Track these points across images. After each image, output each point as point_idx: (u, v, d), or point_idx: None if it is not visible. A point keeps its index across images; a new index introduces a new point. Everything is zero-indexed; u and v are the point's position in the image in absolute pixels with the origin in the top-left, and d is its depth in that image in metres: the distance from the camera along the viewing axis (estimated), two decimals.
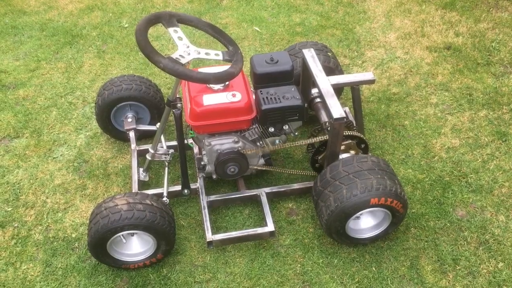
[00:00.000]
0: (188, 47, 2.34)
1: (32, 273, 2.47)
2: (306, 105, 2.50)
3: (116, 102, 2.88)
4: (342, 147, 2.66)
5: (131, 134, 2.92)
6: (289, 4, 4.29)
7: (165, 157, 2.76)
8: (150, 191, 2.68)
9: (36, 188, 2.86)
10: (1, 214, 2.73)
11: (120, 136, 3.05)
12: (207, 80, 2.19)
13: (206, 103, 2.41)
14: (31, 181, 2.90)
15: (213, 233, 2.50)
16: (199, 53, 2.34)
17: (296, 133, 2.69)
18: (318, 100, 2.89)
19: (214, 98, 2.43)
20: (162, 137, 2.79)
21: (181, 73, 2.12)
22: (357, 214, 2.37)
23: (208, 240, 2.47)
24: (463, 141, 3.06)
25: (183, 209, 2.73)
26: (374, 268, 2.47)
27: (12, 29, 4.11)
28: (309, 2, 4.30)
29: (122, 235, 2.32)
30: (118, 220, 2.24)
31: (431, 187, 2.81)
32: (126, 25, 4.13)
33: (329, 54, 3.05)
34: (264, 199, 2.64)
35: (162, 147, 2.81)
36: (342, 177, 2.37)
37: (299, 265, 2.50)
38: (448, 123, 3.17)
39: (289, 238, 2.61)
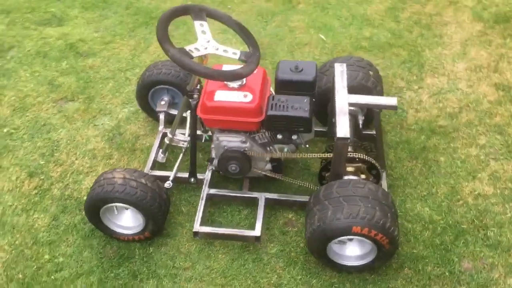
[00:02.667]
0: (208, 41, 2.41)
1: (40, 223, 2.72)
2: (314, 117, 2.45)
3: (153, 84, 3.04)
4: (351, 169, 2.58)
5: (161, 116, 3.06)
6: (364, 17, 4.17)
7: (183, 144, 2.86)
8: (159, 172, 2.81)
9: (70, 149, 3.13)
10: (34, 165, 3.02)
11: (156, 116, 3.21)
12: (210, 75, 2.25)
13: (217, 98, 2.46)
14: (68, 141, 3.17)
15: (202, 224, 2.56)
16: (217, 49, 2.40)
17: (307, 145, 2.64)
18: None
19: (226, 95, 2.47)
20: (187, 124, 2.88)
21: (186, 65, 2.19)
22: (339, 239, 2.29)
23: (194, 230, 2.53)
24: (498, 191, 2.79)
25: (187, 196, 2.82)
26: None
27: (102, 3, 4.47)
28: (385, 18, 4.15)
29: (115, 206, 2.47)
30: (110, 191, 2.39)
31: (443, 231, 2.61)
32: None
33: (371, 72, 2.94)
34: (261, 203, 2.64)
35: (183, 133, 2.91)
36: (332, 198, 2.30)
37: (276, 276, 2.47)
38: (488, 169, 2.91)
39: (276, 248, 2.59)
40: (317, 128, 2.99)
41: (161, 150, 2.94)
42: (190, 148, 2.67)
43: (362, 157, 2.54)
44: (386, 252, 2.31)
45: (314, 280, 2.45)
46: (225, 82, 2.52)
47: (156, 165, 2.92)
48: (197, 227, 2.54)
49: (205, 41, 2.41)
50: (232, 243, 2.60)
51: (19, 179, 2.95)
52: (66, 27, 4.18)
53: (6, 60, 3.84)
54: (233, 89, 2.50)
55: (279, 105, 2.44)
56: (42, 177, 2.96)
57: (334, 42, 3.91)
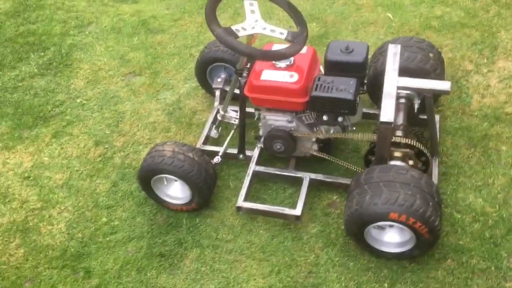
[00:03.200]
0: (256, 21, 2.44)
1: (101, 188, 2.95)
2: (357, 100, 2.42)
3: (211, 61, 3.13)
4: (398, 154, 2.52)
5: (217, 93, 3.15)
6: None
7: (234, 120, 2.94)
8: (211, 147, 2.91)
9: (133, 121, 3.33)
10: (100, 134, 3.26)
11: (213, 93, 3.31)
12: (253, 55, 2.29)
13: (263, 77, 2.50)
14: (132, 114, 3.37)
15: (245, 200, 2.64)
16: (264, 28, 2.43)
17: (354, 128, 2.61)
18: (400, 100, 2.75)
19: (272, 75, 2.50)
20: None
21: (230, 44, 2.25)
22: (377, 224, 2.27)
23: (237, 205, 2.62)
24: None
25: (236, 172, 2.90)
26: (386, 285, 2.35)
27: None
28: None
29: (165, 177, 2.61)
30: (159, 163, 2.53)
31: (494, 224, 2.49)
32: None
33: (431, 55, 2.82)
34: (305, 183, 2.67)
35: (235, 110, 2.99)
36: (372, 183, 2.27)
37: (313, 256, 2.50)
38: None
39: (317, 228, 2.61)
40: (370, 111, 2.95)
41: (214, 126, 3.04)
42: (239, 125, 2.74)
43: (409, 142, 2.46)
44: (426, 241, 2.26)
45: (351, 263, 2.45)
46: (273, 62, 2.54)
47: (209, 140, 3.02)
48: (240, 202, 2.62)
49: (253, 21, 2.44)
50: (274, 220, 2.65)
51: (87, 146, 3.20)
52: (140, 4, 4.38)
53: (85, 35, 4.11)
54: (280, 68, 2.52)
55: (324, 86, 2.43)
56: (107, 146, 3.19)
57: (402, 21, 3.76)
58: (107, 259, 2.61)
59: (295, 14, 2.48)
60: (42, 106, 3.51)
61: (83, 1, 4.47)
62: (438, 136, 2.79)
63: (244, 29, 2.39)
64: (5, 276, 2.58)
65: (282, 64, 2.52)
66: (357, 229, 2.33)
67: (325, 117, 2.53)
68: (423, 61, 2.77)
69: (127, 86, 3.60)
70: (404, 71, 2.74)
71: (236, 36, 2.31)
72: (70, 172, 3.05)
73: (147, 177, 2.61)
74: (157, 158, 2.55)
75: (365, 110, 2.92)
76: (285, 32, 2.43)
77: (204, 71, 3.20)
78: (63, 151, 3.18)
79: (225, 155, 2.87)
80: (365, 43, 2.58)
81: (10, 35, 4.14)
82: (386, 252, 2.38)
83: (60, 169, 3.07)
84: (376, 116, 2.93)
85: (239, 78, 2.62)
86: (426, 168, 2.57)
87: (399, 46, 2.58)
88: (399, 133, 2.60)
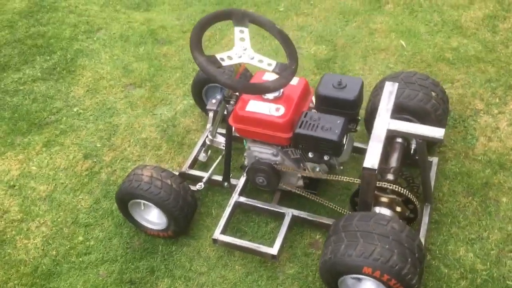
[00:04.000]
0: (245, 49, 2.34)
1: (83, 204, 2.89)
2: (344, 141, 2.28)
3: (207, 81, 3.04)
4: (385, 200, 2.38)
5: (210, 114, 3.05)
6: (457, 24, 3.77)
7: (223, 146, 2.84)
8: (197, 172, 2.82)
9: (126, 136, 3.26)
10: (91, 147, 3.21)
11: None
12: (234, 87, 2.19)
13: (248, 108, 2.40)
14: (126, 128, 3.31)
15: (223, 232, 2.53)
16: (252, 58, 2.32)
17: (341, 167, 2.48)
18: (397, 140, 2.61)
19: (258, 106, 2.40)
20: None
21: (211, 74, 2.15)
22: (350, 276, 2.13)
23: (213, 237, 2.52)
24: None
25: (220, 199, 2.81)
26: None
27: None
28: (481, 27, 3.72)
29: (142, 202, 2.53)
30: (136, 188, 2.46)
31: (483, 284, 2.32)
32: (282, 9, 4.20)
33: (433, 93, 2.66)
34: (287, 219, 2.55)
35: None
36: (349, 231, 2.14)
37: None
38: None
39: (294, 268, 2.49)
40: (365, 146, 2.80)
41: (203, 149, 2.94)
42: (225, 153, 2.64)
43: (396, 189, 2.32)
44: None
45: None
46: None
47: (197, 163, 2.93)
48: (217, 234, 2.52)
49: (242, 49, 2.34)
50: (252, 256, 2.54)
51: (75, 158, 3.15)
52: (152, 12, 4.33)
53: (93, 40, 4.08)
54: (267, 100, 2.41)
55: (310, 124, 2.30)
56: (95, 160, 3.13)
57: (415, 51, 3.60)
58: (77, 281, 2.55)
59: (286, 44, 2.37)
60: (38, 112, 3.49)
61: (96, 6, 4.45)
62: (432, 182, 2.63)
63: (230, 57, 2.29)
64: None
65: (270, 95, 2.41)
66: (330, 278, 2.20)
67: (310, 154, 2.41)
68: (424, 100, 2.62)
69: (125, 98, 3.54)
70: (402, 110, 2.62)
71: (219, 66, 2.21)
72: (55, 185, 3.01)
73: (124, 200, 2.54)
74: (134, 183, 2.47)
75: (359, 145, 2.79)
76: (274, 63, 2.32)
77: (200, 90, 3.12)
78: (52, 162, 3.14)
79: (210, 181, 2.78)
80: (360, 79, 2.44)
81: (20, 36, 4.14)
82: None
83: (45, 180, 3.04)
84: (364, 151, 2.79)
85: (226, 106, 2.52)
86: (414, 216, 2.41)
87: (396, 85, 2.43)
88: (390, 176, 2.45)
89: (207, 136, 2.93)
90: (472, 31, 3.68)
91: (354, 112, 2.42)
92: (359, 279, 2.21)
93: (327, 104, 2.42)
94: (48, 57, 3.95)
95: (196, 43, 2.19)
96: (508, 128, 2.97)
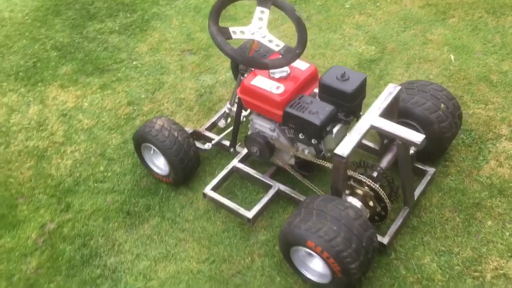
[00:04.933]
0: (260, 28, 2.57)
1: (113, 142, 3.32)
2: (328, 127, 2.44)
3: None
4: (360, 192, 2.50)
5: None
6: None
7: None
8: (210, 134, 3.11)
9: (167, 93, 3.64)
10: (136, 96, 3.62)
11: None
12: (235, 59, 2.42)
13: (254, 82, 2.62)
14: (169, 86, 3.69)
15: (213, 189, 2.80)
16: (263, 37, 2.55)
17: (329, 154, 2.63)
18: (396, 142, 2.70)
19: (263, 82, 2.61)
20: None
21: (218, 43, 2.41)
22: (301, 250, 2.31)
23: (204, 191, 2.80)
24: None
25: (225, 163, 3.04)
26: None
27: None
28: None
29: (152, 147, 2.87)
30: (147, 132, 2.80)
31: None
32: (347, 6, 4.32)
33: (442, 105, 2.70)
34: (272, 191, 2.75)
35: None
36: (308, 208, 2.32)
37: (249, 259, 2.61)
38: None
39: (266, 236, 2.70)
40: (371, 144, 2.92)
41: (223, 116, 3.22)
42: (235, 121, 2.89)
43: (369, 183, 2.43)
44: (340, 280, 2.25)
45: (279, 278, 2.51)
46: (270, 71, 2.63)
47: (216, 127, 3.22)
48: (207, 190, 2.79)
49: (257, 27, 2.56)
50: (235, 217, 2.78)
51: (120, 103, 3.59)
52: None
53: (171, 7, 4.50)
54: (272, 78, 2.61)
55: (300, 105, 2.48)
56: (135, 108, 3.54)
57: (461, 67, 3.57)
58: (87, 201, 2.97)
59: (300, 31, 2.55)
60: (105, 59, 3.98)
61: None
62: (420, 189, 2.69)
63: (242, 32, 2.53)
64: (8, 187, 3.07)
65: (277, 74, 2.61)
66: (283, 247, 2.39)
67: (300, 136, 2.58)
68: (431, 109, 2.68)
69: (179, 61, 3.91)
70: (407, 115, 2.70)
71: (228, 37, 2.46)
72: (97, 121, 3.46)
73: (138, 141, 2.90)
74: (147, 128, 2.82)
75: (368, 143, 2.90)
76: (282, 45, 2.52)
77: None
78: (101, 102, 3.60)
79: (220, 145, 3.05)
80: (364, 75, 2.55)
81: None
82: (307, 277, 2.41)
83: (91, 116, 3.50)
84: (374, 151, 2.90)
85: (241, 78, 2.77)
86: (385, 214, 2.50)
87: (398, 88, 2.52)
88: (374, 173, 2.57)
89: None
90: None
91: (351, 104, 2.54)
92: (310, 255, 2.37)
93: (327, 93, 2.57)
94: (129, 15, 4.44)
95: (214, 13, 2.45)
96: None
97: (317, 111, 2.44)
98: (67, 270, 2.64)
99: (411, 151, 2.68)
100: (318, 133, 2.42)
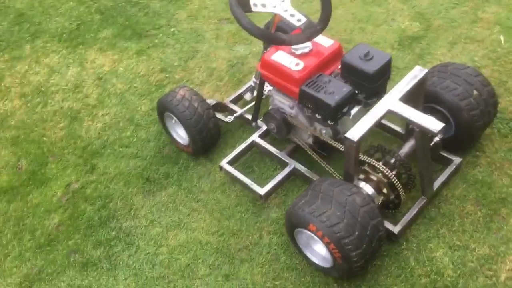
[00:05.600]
0: (283, 1, 2.49)
1: (142, 108, 3.38)
2: (344, 108, 2.35)
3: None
4: (374, 178, 2.42)
5: None
6: None
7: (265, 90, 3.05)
8: (234, 106, 3.09)
9: (200, 61, 3.64)
10: (169, 63, 3.65)
11: None
12: (251, 32, 2.36)
13: (274, 57, 2.56)
14: (203, 55, 3.68)
15: (230, 163, 2.80)
16: (286, 10, 2.48)
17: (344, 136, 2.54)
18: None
19: (283, 57, 2.54)
20: None
21: (235, 14, 2.36)
22: (305, 232, 2.27)
23: (220, 164, 2.81)
24: None
25: (247, 137, 3.01)
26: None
27: None
28: None
29: (173, 117, 2.90)
30: (169, 101, 2.83)
31: None
32: None
33: (475, 92, 2.54)
34: (287, 169, 2.72)
35: None
36: (315, 191, 2.27)
37: (258, 236, 2.61)
38: None
39: (277, 214, 2.68)
40: (394, 126, 2.81)
41: (250, 89, 3.18)
42: (257, 95, 2.86)
43: (383, 170, 2.34)
44: (340, 267, 2.21)
45: (284, 257, 2.50)
46: (292, 46, 2.56)
47: (242, 100, 3.19)
48: (224, 163, 2.80)
49: (280, 0, 2.48)
50: (249, 192, 2.78)
51: (154, 70, 3.63)
52: None
53: None
54: (293, 54, 2.54)
55: (317, 84, 2.40)
56: (167, 75, 3.58)
57: (510, 50, 3.31)
58: (111, 164, 3.06)
59: (325, 6, 2.45)
60: (144, 24, 4.02)
61: None
62: (442, 179, 2.56)
63: (264, 5, 2.46)
64: (40, 145, 3.22)
65: (298, 51, 2.53)
66: (288, 227, 2.36)
67: (317, 115, 2.51)
68: (461, 95, 2.52)
69: (216, 29, 3.89)
70: (437, 100, 2.57)
71: (248, 10, 2.40)
72: (130, 86, 3.53)
73: (161, 110, 2.93)
74: (169, 97, 2.84)
75: (393, 126, 2.80)
76: (304, 19, 2.44)
77: None
78: (136, 67, 3.66)
79: (242, 118, 3.03)
80: (388, 55, 2.43)
81: None
82: (310, 260, 2.38)
83: (125, 81, 3.57)
84: (401, 135, 2.79)
85: (264, 50, 2.71)
86: (398, 202, 2.41)
87: (424, 71, 2.38)
88: (391, 159, 2.47)
89: None
90: None
91: (373, 86, 2.43)
92: (314, 239, 2.33)
93: (349, 73, 2.47)
94: None
95: None
96: None
97: (333, 91, 2.35)
98: (85, 230, 2.76)
99: (436, 139, 2.56)
100: (332, 114, 2.34)
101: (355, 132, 2.19)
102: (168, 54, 3.73)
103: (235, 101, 3.18)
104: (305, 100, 2.43)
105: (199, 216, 2.73)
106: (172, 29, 3.95)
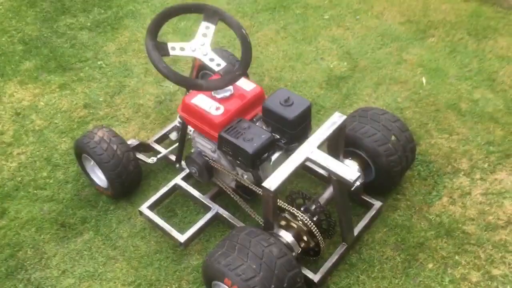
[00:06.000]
0: (202, 45, 2.44)
1: (61, 146, 3.22)
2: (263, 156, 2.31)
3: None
4: (294, 226, 2.38)
5: None
6: (492, 76, 3.49)
7: (190, 130, 2.98)
8: (158, 147, 2.99)
9: (126, 97, 3.53)
10: (94, 99, 3.52)
11: None
12: (167, 77, 2.29)
13: (194, 100, 2.50)
14: (130, 91, 3.58)
15: (150, 208, 2.70)
16: (205, 54, 2.43)
17: None
18: None
19: (203, 101, 2.49)
20: None
21: (152, 59, 2.28)
22: (217, 283, 2.19)
23: (140, 209, 2.69)
24: None
25: (172, 177, 2.92)
26: None
27: None
28: None
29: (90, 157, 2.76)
30: (85, 143, 2.70)
31: None
32: (326, 17, 4.16)
33: (393, 138, 2.57)
34: (209, 214, 2.65)
35: None
36: (232, 241, 2.20)
37: (176, 286, 2.50)
38: None
39: (198, 261, 2.59)
40: (320, 170, 2.80)
41: (175, 130, 3.10)
42: (180, 137, 2.78)
43: (302, 218, 2.31)
44: None
45: None
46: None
47: (167, 139, 3.10)
48: (144, 208, 2.69)
49: (200, 44, 2.44)
50: (170, 239, 2.67)
51: (77, 105, 3.48)
52: None
53: (147, 5, 4.41)
54: (214, 98, 2.49)
55: (236, 130, 2.36)
56: (91, 111, 3.44)
57: (432, 92, 3.41)
58: (23, 209, 2.88)
59: (245, 50, 2.43)
60: (70, 57, 3.88)
61: None
62: (362, 223, 2.56)
63: (182, 48, 2.40)
64: None
65: (220, 94, 2.49)
66: (205, 280, 2.28)
67: (237, 161, 2.46)
68: (380, 141, 2.55)
69: (145, 64, 3.79)
70: (356, 145, 2.57)
71: (165, 53, 2.34)
72: (50, 123, 3.37)
73: (78, 150, 2.79)
74: (86, 139, 2.71)
75: (315, 167, 2.78)
76: (223, 64, 2.40)
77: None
78: (57, 102, 3.50)
79: (167, 159, 2.94)
80: (307, 102, 2.43)
81: None
82: None
83: (44, 117, 3.41)
84: (323, 177, 2.78)
85: (186, 93, 2.64)
86: (318, 250, 2.38)
87: (343, 118, 2.39)
88: (312, 206, 2.44)
89: None
90: (503, 87, 3.40)
91: (293, 131, 2.42)
92: None
93: (269, 117, 2.45)
94: (103, 11, 4.33)
95: (152, 27, 2.33)
96: (480, 197, 2.75)
97: (252, 137, 2.31)
98: None
99: (357, 183, 2.56)
100: (251, 161, 2.30)
101: (272, 182, 2.15)
102: (94, 89, 3.60)
103: (160, 140, 3.09)
104: (224, 146, 2.38)
105: (115, 265, 2.59)
106: (99, 62, 3.83)
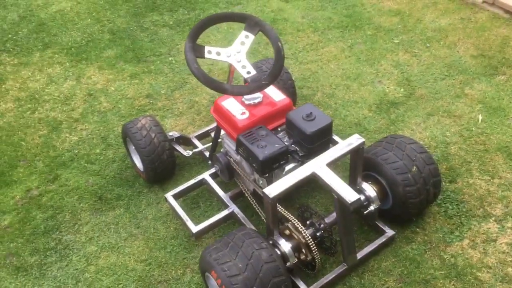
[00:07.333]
0: (238, 52, 2.60)
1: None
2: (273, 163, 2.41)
3: None
4: (295, 238, 2.45)
5: None
6: None
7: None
8: (196, 140, 3.20)
9: (184, 92, 3.79)
10: (157, 91, 3.82)
11: None
12: (197, 76, 2.47)
13: (224, 103, 2.66)
14: (190, 87, 3.83)
15: (175, 196, 2.90)
16: (239, 61, 2.58)
17: None
18: None
19: (232, 104, 2.65)
20: None
21: (186, 58, 2.48)
22: (208, 275, 2.32)
23: (165, 195, 2.90)
24: None
25: (203, 171, 3.09)
26: None
27: None
28: None
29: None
30: (129, 128, 2.97)
31: None
32: (397, 41, 4.13)
33: (414, 169, 2.54)
34: (225, 212, 2.78)
35: None
36: (229, 237, 2.33)
37: (181, 272, 2.67)
38: None
39: None
40: None
41: None
42: (214, 135, 2.95)
43: (302, 232, 2.37)
44: None
45: None
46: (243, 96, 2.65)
47: (207, 137, 3.30)
48: (169, 195, 2.89)
49: (235, 51, 2.59)
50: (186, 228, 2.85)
51: (141, 94, 3.80)
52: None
53: (227, 11, 4.62)
54: (242, 103, 2.64)
55: (254, 136, 2.47)
56: (151, 101, 3.73)
57: (485, 131, 3.27)
58: (72, 178, 3.21)
59: (277, 63, 2.54)
60: (146, 50, 4.23)
61: None
62: (369, 248, 2.55)
63: (218, 53, 2.57)
64: (16, 149, 3.43)
65: (249, 101, 2.63)
66: (201, 270, 2.41)
67: (253, 165, 2.58)
68: (399, 169, 2.55)
69: (211, 65, 4.04)
70: (375, 169, 2.58)
71: (201, 56, 2.52)
72: (114, 106, 3.72)
73: (124, 134, 3.07)
74: (131, 124, 2.98)
75: None
76: (253, 72, 2.53)
77: None
78: (125, 89, 3.85)
79: (202, 155, 3.13)
80: (329, 119, 2.49)
81: None
82: None
83: (111, 100, 3.76)
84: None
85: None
86: (314, 265, 2.42)
87: (360, 140, 2.41)
88: (321, 223, 2.49)
89: None
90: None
91: (310, 146, 2.49)
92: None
93: (291, 129, 2.54)
94: (187, 12, 4.66)
95: (194, 31, 2.52)
96: (505, 247, 2.61)
97: (265, 145, 2.42)
98: (28, 236, 2.90)
99: (371, 208, 2.57)
100: (260, 167, 2.40)
101: (272, 189, 2.24)
102: (159, 82, 3.90)
103: (201, 137, 3.28)
104: (240, 149, 2.51)
105: (134, 242, 2.82)
106: (170, 58, 4.13)
